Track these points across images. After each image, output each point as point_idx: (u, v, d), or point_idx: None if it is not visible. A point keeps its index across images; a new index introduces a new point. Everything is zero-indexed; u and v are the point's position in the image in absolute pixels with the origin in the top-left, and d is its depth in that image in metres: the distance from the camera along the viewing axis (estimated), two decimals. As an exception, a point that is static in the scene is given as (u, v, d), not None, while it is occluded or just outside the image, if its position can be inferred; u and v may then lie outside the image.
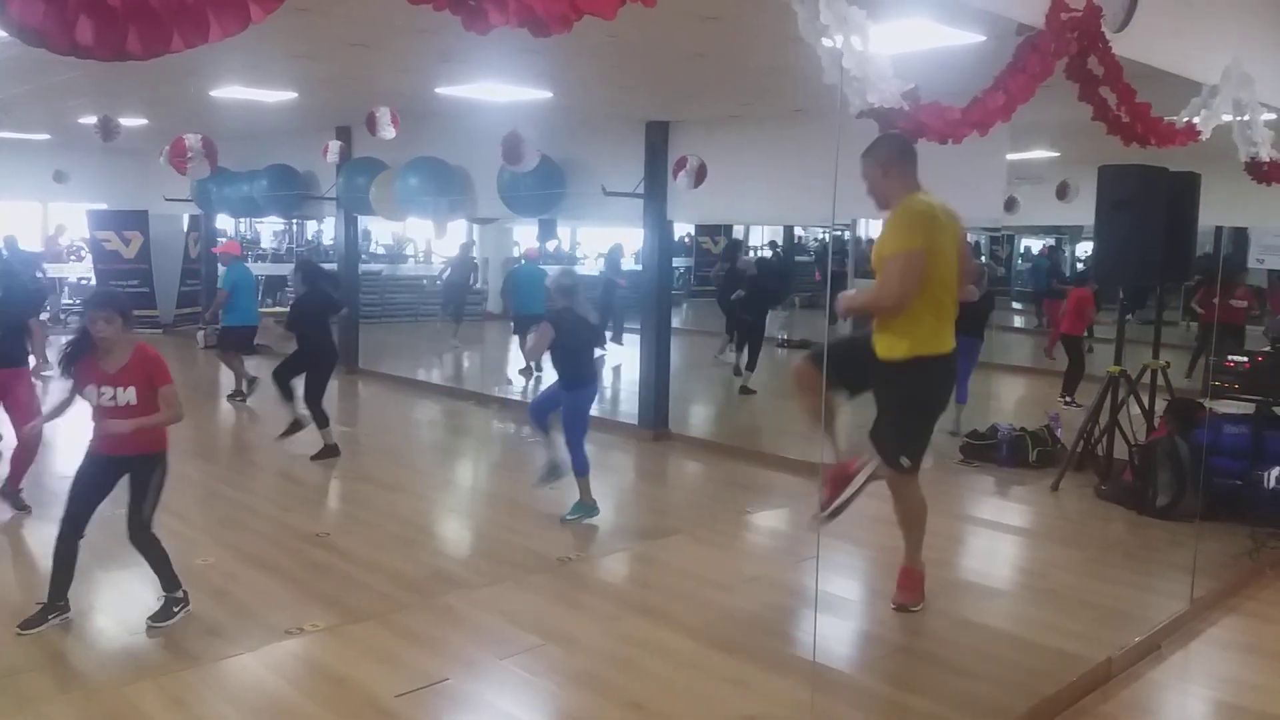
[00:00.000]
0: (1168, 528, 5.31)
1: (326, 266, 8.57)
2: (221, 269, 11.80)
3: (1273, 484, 5.31)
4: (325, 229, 19.33)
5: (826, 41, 3.31)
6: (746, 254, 12.95)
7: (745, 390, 10.56)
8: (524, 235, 18.19)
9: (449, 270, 15.32)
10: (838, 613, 4.40)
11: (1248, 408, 5.77)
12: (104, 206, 15.61)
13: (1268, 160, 5.69)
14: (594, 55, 6.63)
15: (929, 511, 6.05)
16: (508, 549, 5.64)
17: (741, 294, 10.77)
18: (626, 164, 9.93)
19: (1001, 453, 6.98)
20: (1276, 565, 4.89)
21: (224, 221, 17.40)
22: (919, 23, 4.76)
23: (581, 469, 5.96)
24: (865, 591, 4.86)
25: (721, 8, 5.37)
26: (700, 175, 9.37)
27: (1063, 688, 3.51)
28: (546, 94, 8.39)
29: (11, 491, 5.96)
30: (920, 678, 3.68)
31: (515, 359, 11.99)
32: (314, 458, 7.48)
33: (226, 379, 10.10)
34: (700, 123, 9.90)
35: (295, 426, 7.70)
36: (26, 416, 5.73)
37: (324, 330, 7.80)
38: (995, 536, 5.77)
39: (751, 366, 10.74)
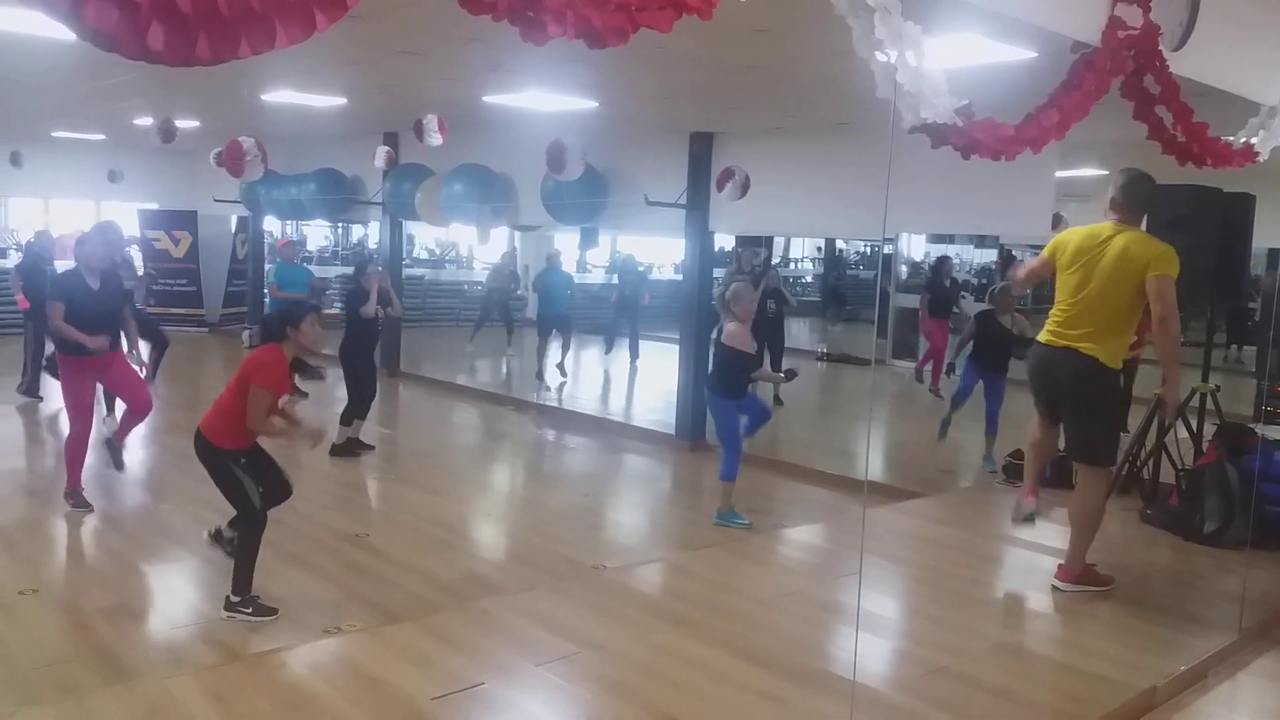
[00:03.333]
0: (1215, 555, 5.19)
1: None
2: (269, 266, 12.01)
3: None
4: (371, 233, 19.55)
5: (880, 56, 3.29)
6: (773, 268, 12.87)
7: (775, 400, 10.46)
8: (565, 243, 18.31)
9: (490, 279, 15.48)
10: (876, 630, 4.35)
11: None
12: (155, 206, 15.91)
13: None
14: (642, 66, 6.66)
15: (972, 531, 6.02)
16: (543, 555, 5.67)
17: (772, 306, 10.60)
18: (670, 174, 9.96)
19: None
20: (1327, 596, 4.78)
21: (271, 224, 17.64)
22: (971, 38, 4.73)
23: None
24: (904, 609, 4.80)
25: (772, 19, 5.36)
26: (746, 187, 9.36)
27: (1106, 715, 3.44)
28: (593, 104, 8.45)
29: (117, 444, 6.26)
30: (958, 699, 3.62)
31: (550, 361, 12.04)
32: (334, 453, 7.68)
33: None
34: (744, 134, 9.90)
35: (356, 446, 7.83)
36: (136, 387, 6.16)
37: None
38: (1037, 558, 5.67)
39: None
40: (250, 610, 4.45)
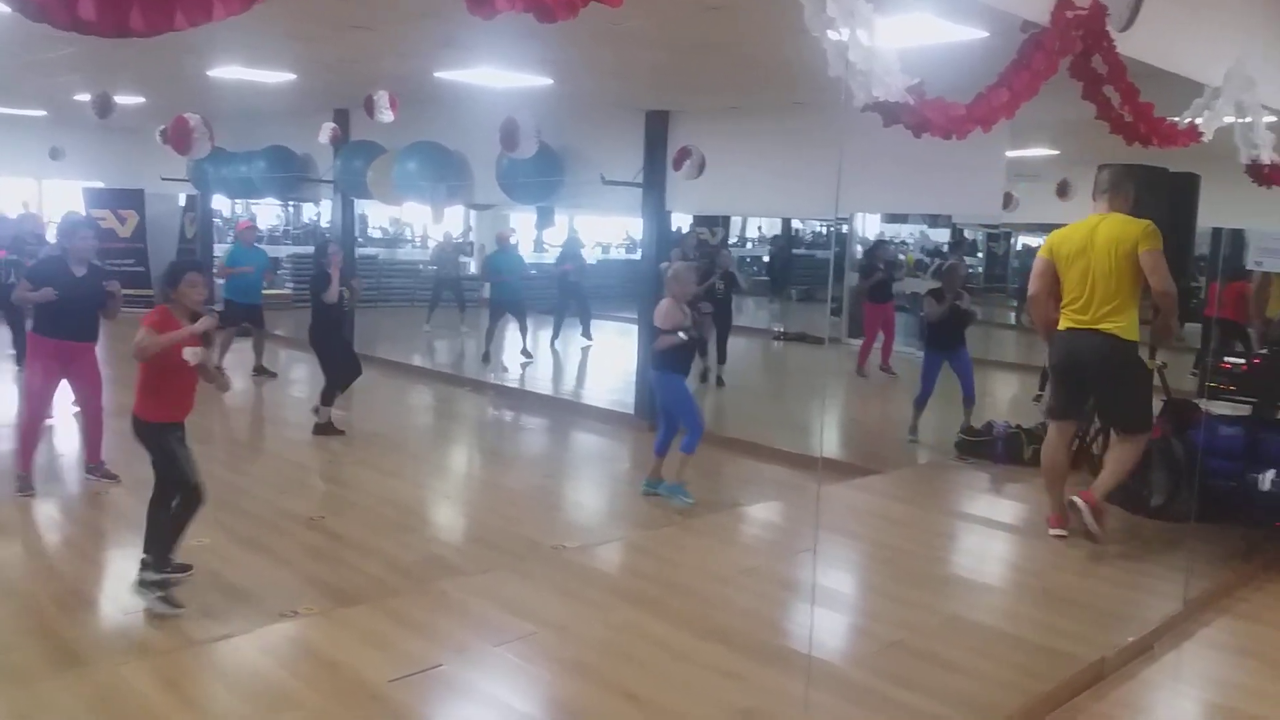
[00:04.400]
0: (1162, 528, 5.31)
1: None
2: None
3: (1267, 486, 5.31)
4: (323, 212, 19.26)
5: (832, 34, 3.29)
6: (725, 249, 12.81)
7: (718, 381, 10.46)
8: (520, 222, 18.17)
9: (435, 259, 15.40)
10: (832, 606, 4.41)
11: (1244, 409, 5.78)
12: (100, 185, 15.54)
13: (1268, 163, 5.69)
14: (596, 43, 6.61)
15: (926, 508, 6.11)
16: (502, 536, 5.65)
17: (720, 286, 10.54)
18: (626, 153, 9.91)
19: (997, 450, 6.99)
20: (1270, 568, 4.91)
21: (220, 202, 17.32)
22: (922, 18, 4.75)
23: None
24: (860, 585, 4.87)
25: (725, -2, 5.34)
26: (702, 166, 9.34)
27: (1056, 686, 3.51)
28: (547, 81, 8.36)
29: (96, 465, 6.21)
30: (913, 673, 3.68)
31: (511, 345, 11.98)
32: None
33: (226, 359, 10.07)
34: (700, 113, 9.88)
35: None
36: (94, 389, 6.07)
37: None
38: (990, 534, 5.79)
39: (722, 359, 10.63)
40: (161, 595, 4.33)
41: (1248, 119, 5.35)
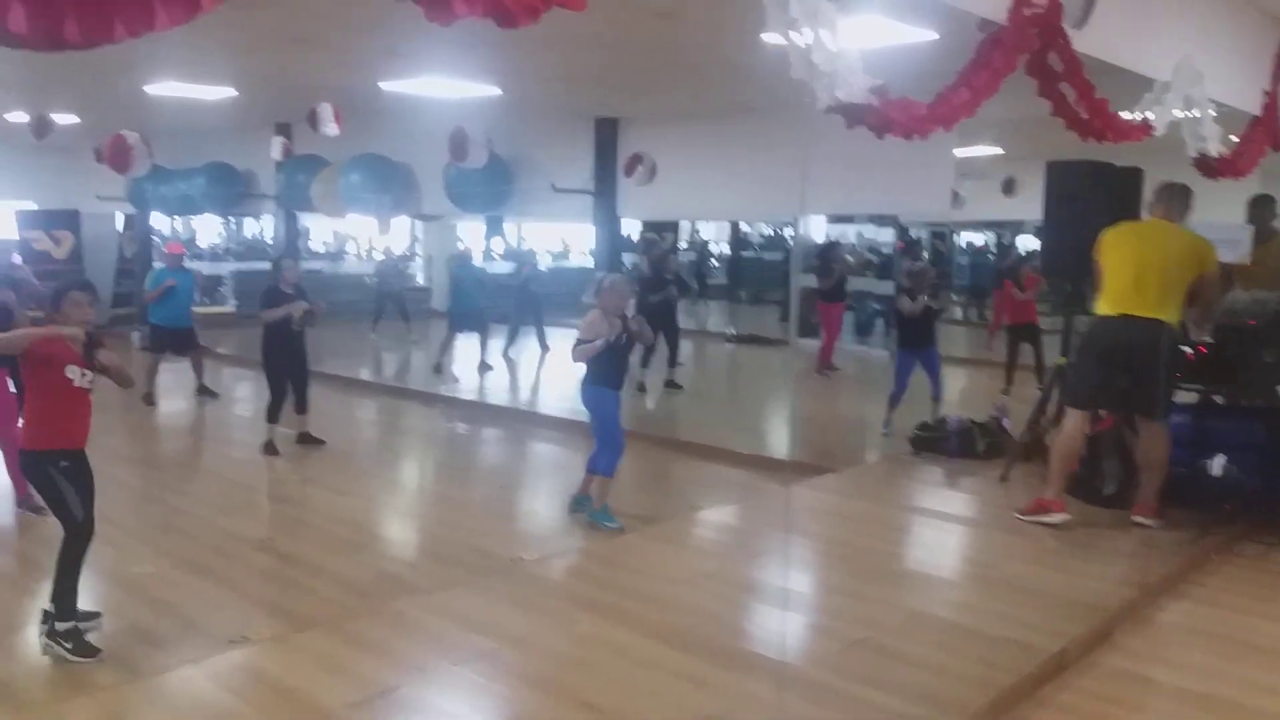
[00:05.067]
0: (1116, 516, 5.36)
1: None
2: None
3: (1217, 471, 5.39)
4: (265, 227, 18.95)
5: (796, 36, 3.28)
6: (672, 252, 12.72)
7: (671, 385, 10.39)
8: (468, 233, 18.01)
9: (378, 274, 15.27)
10: (794, 607, 4.38)
11: (1191, 397, 5.87)
12: (33, 206, 15.14)
13: (1216, 155, 5.80)
14: (545, 50, 6.56)
15: (883, 504, 6.12)
16: (458, 551, 5.56)
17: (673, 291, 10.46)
18: (577, 160, 9.88)
19: (951, 444, 7.03)
20: (1223, 550, 4.97)
21: (160, 221, 16.96)
22: (874, 20, 4.76)
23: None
24: (820, 584, 4.85)
25: (675, 3, 5.33)
26: (654, 172, 9.32)
27: (1021, 679, 3.51)
28: (496, 90, 8.30)
29: (24, 498, 5.86)
30: (878, 671, 3.66)
31: (465, 357, 11.84)
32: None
33: (164, 380, 9.83)
34: (651, 119, 9.88)
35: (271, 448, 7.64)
36: (12, 414, 5.60)
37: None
38: (947, 528, 5.81)
39: (673, 362, 10.54)
40: (70, 646, 3.98)
41: (1195, 113, 5.45)
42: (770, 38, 5.36)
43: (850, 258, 13.56)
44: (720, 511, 6.06)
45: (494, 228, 15.87)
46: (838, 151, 8.22)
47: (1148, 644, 3.93)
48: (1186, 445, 5.54)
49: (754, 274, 19.81)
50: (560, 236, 23.39)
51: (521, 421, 9.31)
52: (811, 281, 12.10)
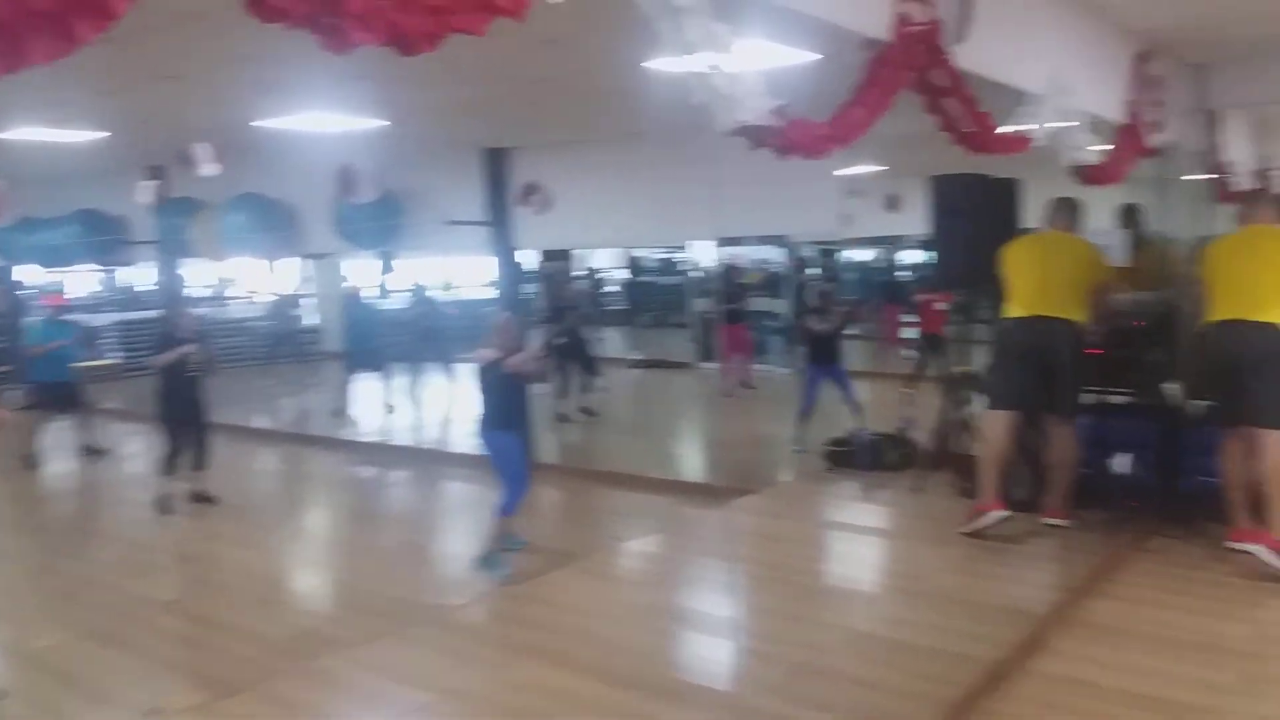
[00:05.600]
0: (1029, 520, 5.49)
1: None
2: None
3: (1122, 469, 5.59)
4: (143, 274, 18.11)
5: (691, 59, 3.26)
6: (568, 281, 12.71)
7: (587, 412, 10.31)
8: (358, 270, 17.57)
9: (269, 317, 14.82)
10: (731, 634, 4.35)
11: (1090, 398, 6.08)
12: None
13: (1090, 164, 6.05)
14: (430, 82, 6.44)
15: (805, 522, 6.16)
16: (377, 600, 5.35)
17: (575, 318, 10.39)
18: (472, 191, 9.74)
19: (863, 458, 7.13)
20: (1136, 547, 5.14)
21: (30, 273, 16.04)
22: (759, 43, 4.81)
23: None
24: (753, 609, 4.82)
25: (561, 30, 5.28)
26: (548, 201, 9.26)
27: (966, 691, 3.53)
28: (382, 122, 8.12)
29: None
30: (825, 695, 3.65)
31: (366, 398, 11.52)
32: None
33: (48, 440, 9.25)
34: (544, 147, 9.82)
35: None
36: None
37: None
38: (870, 542, 5.88)
39: (588, 388, 10.44)
40: None
41: (1068, 124, 5.67)
42: (655, 65, 5.43)
43: (748, 279, 13.75)
44: (646, 541, 5.99)
45: (386, 263, 15.53)
46: (730, 176, 8.37)
47: (1079, 646, 4.00)
48: (1089, 445, 5.73)
49: (653, 299, 19.88)
50: (457, 270, 23.06)
51: (430, 461, 9.08)
52: (713, 305, 12.23)
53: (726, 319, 12.01)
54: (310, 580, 6.15)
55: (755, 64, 3.54)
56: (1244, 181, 8.80)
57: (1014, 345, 5.44)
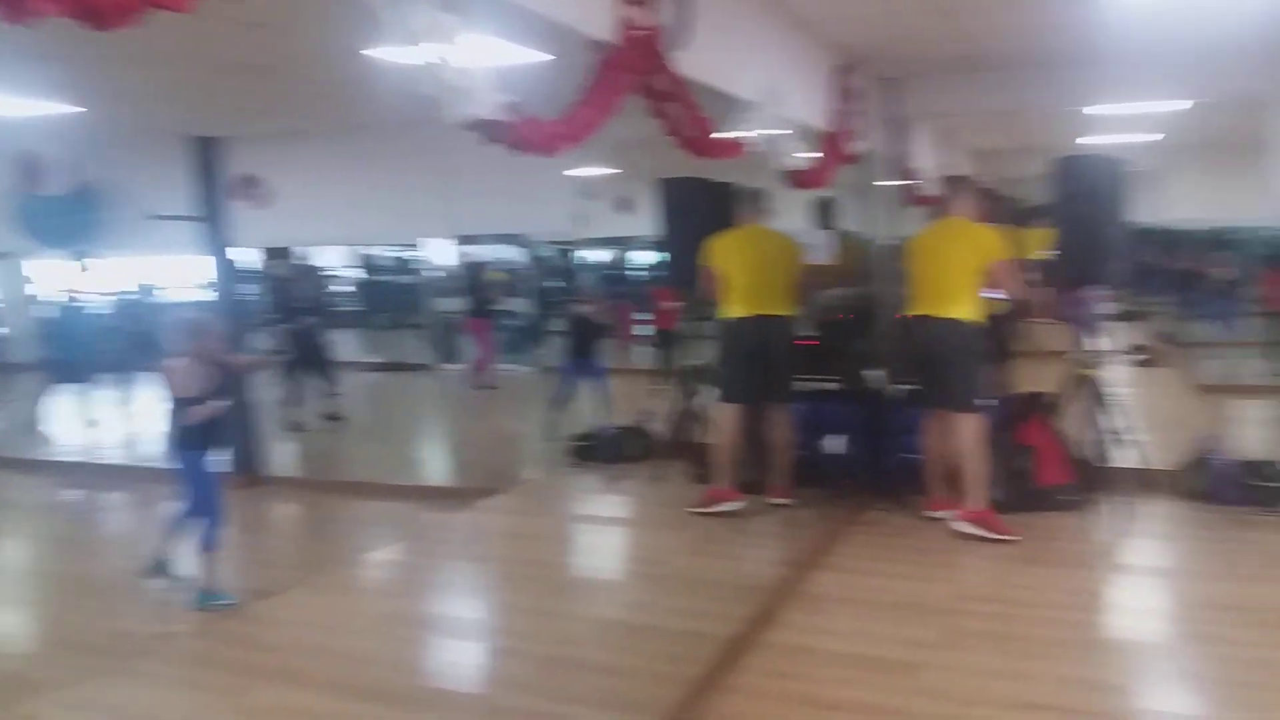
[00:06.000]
0: (757, 501, 5.84)
1: None
2: None
3: (836, 450, 6.08)
4: None
5: (418, 50, 3.20)
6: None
7: (331, 417, 9.90)
8: (46, 271, 15.85)
9: None
10: (479, 635, 4.34)
11: (806, 386, 6.56)
12: None
13: (799, 169, 6.50)
14: (127, 65, 5.92)
15: (553, 517, 6.23)
16: (91, 635, 4.86)
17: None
18: (180, 184, 9.03)
19: (606, 452, 7.30)
20: (850, 522, 5.60)
21: None
22: (489, 39, 4.80)
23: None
24: (502, 608, 4.83)
25: (268, 14, 5.02)
26: (266, 196, 8.78)
27: (708, 668, 3.71)
28: (76, 108, 7.37)
29: None
30: (573, 685, 3.72)
31: (66, 413, 10.42)
32: None
33: None
34: (263, 138, 9.28)
35: None
36: None
37: None
38: (615, 532, 6.04)
39: (329, 393, 10.00)
40: None
41: (780, 131, 6.07)
42: (378, 53, 5.30)
43: (493, 278, 13.72)
44: (390, 550, 5.82)
45: (80, 263, 14.10)
46: (464, 172, 8.30)
47: (805, 616, 4.32)
48: (805, 430, 6.19)
49: (389, 299, 19.30)
50: (169, 269, 21.30)
51: (145, 480, 8.34)
52: (455, 304, 12.10)
53: (470, 317, 11.94)
54: (8, 619, 5.49)
55: (487, 59, 3.53)
56: (930, 187, 9.81)
57: (739, 343, 5.77)
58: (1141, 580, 4.89)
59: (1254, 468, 5.66)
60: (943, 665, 3.80)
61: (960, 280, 5.27)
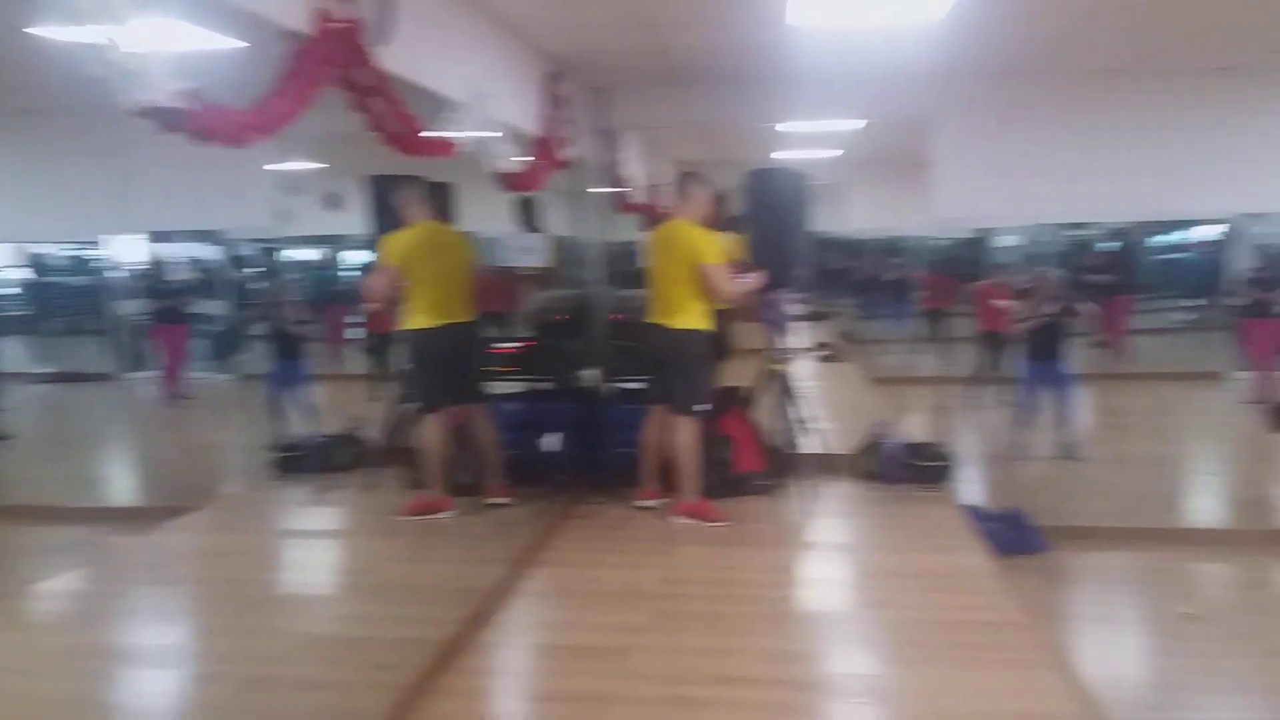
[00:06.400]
0: (475, 503, 5.82)
1: None
2: None
3: (552, 447, 6.18)
4: None
5: (85, 29, 2.94)
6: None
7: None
8: None
9: None
10: (175, 662, 4.02)
11: (521, 386, 6.63)
12: None
13: (511, 172, 6.56)
14: None
15: (255, 533, 5.90)
16: None
17: None
18: None
19: (312, 461, 6.99)
20: (566, 517, 5.70)
21: None
22: (174, 22, 4.48)
23: None
24: (200, 631, 4.50)
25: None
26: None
27: (419, 675, 3.65)
28: None
29: None
30: (280, 705, 3.53)
31: None
32: None
33: None
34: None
35: None
36: None
37: None
38: (324, 544, 5.79)
39: None
40: None
41: (490, 133, 6.09)
42: (43, 31, 4.79)
43: (181, 278, 12.72)
44: (67, 578, 5.25)
45: None
46: (151, 164, 7.65)
47: (521, 613, 4.36)
48: (523, 429, 6.25)
49: (62, 303, 17.39)
50: None
51: None
52: (141, 307, 11.14)
53: (160, 321, 11.03)
54: None
55: (165, 42, 3.28)
56: (640, 194, 10.21)
57: (434, 351, 5.66)
58: (826, 555, 5.33)
59: (917, 449, 6.37)
60: (652, 647, 3.96)
61: (677, 285, 5.43)
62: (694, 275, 5.36)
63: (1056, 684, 3.59)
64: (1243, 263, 11.97)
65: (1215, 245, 15.83)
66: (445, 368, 5.68)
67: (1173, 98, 7.49)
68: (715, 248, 5.39)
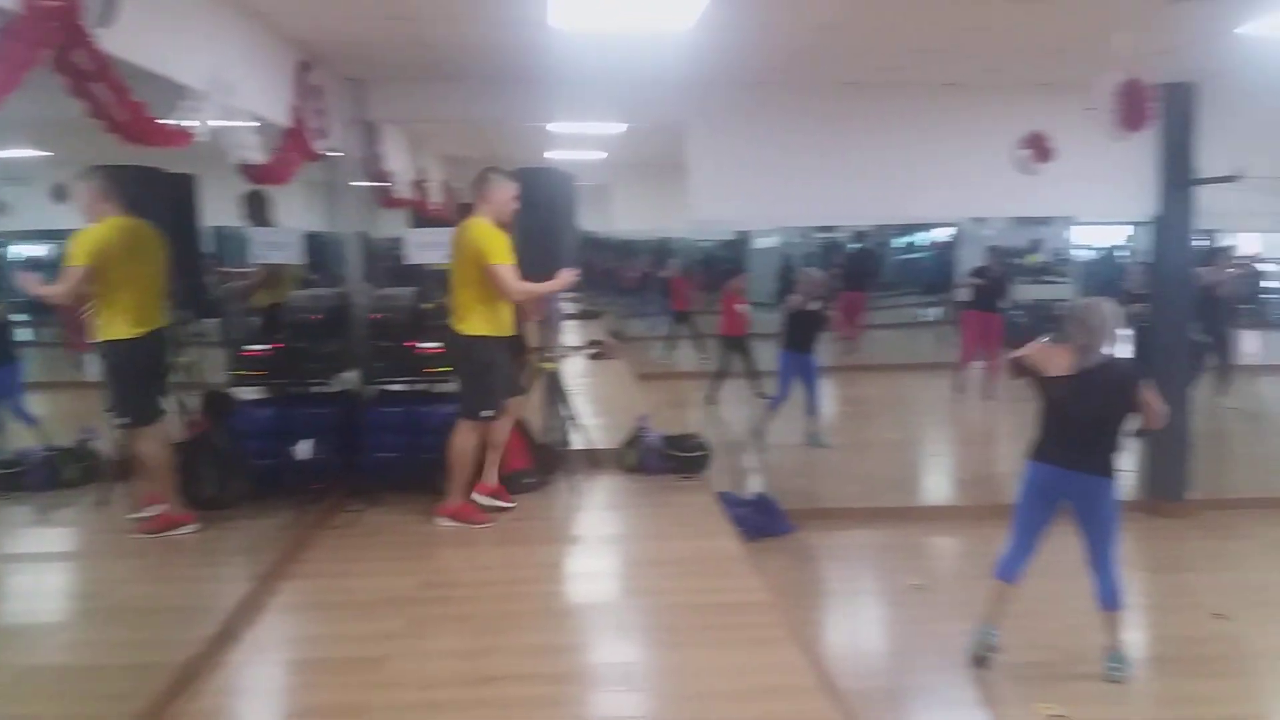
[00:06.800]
0: (223, 516, 5.47)
1: None
2: None
3: (303, 455, 5.90)
4: None
5: None
6: None
7: None
8: None
9: None
10: None
11: (272, 391, 6.31)
12: None
13: (258, 164, 6.23)
14: None
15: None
16: None
17: None
18: None
19: (35, 477, 6.36)
20: (320, 525, 5.47)
21: None
22: None
23: None
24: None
25: None
26: None
27: (149, 701, 3.39)
28: None
29: None
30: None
31: None
32: None
33: None
34: None
35: None
36: None
37: None
38: (48, 568, 5.28)
39: None
40: None
41: (232, 122, 5.75)
42: None
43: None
44: None
45: None
46: None
47: (270, 629, 4.15)
48: (273, 436, 5.95)
49: None
50: None
51: None
52: None
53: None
54: None
55: None
56: (404, 190, 9.96)
57: (142, 359, 5.21)
58: (590, 548, 5.41)
59: (676, 441, 6.58)
60: (407, 654, 3.88)
61: (465, 287, 5.31)
62: (481, 277, 5.23)
63: (798, 658, 3.81)
64: (971, 262, 13.16)
65: (945, 247, 17.37)
66: (152, 377, 5.28)
67: (907, 109, 8.10)
68: (503, 247, 5.24)
